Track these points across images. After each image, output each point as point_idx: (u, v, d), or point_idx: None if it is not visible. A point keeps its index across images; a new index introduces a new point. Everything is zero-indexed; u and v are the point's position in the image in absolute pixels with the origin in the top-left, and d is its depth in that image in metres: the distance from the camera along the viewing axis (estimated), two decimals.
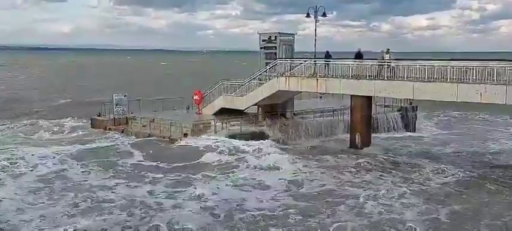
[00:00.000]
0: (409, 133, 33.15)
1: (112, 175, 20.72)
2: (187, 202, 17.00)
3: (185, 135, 25.66)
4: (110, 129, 29.49)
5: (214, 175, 20.77)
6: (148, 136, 27.27)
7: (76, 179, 19.93)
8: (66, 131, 31.00)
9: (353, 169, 21.76)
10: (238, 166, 22.12)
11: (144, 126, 28.81)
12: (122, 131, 28.75)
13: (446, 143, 29.85)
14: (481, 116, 41.35)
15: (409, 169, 22.22)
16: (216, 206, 16.62)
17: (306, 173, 21.04)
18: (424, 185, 19.64)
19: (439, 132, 34.64)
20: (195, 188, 18.44)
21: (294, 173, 20.91)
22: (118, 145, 25.71)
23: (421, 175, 21.18)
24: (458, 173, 21.38)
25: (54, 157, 22.68)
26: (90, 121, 31.68)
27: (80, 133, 30.19)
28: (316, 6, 30.45)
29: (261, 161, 22.53)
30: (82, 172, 21.03)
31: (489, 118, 40.75)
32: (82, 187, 18.79)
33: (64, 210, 16.25)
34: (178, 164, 22.21)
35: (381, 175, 21.04)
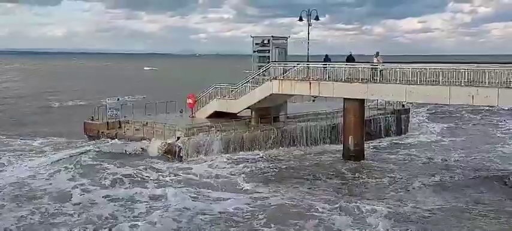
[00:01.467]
0: (404, 137, 33.30)
1: None
2: None
3: (178, 139, 25.58)
4: (102, 133, 29.32)
5: None
6: (141, 140, 27.18)
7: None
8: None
9: None
10: None
11: (137, 130, 28.69)
12: (115, 136, 28.61)
13: (447, 151, 29.28)
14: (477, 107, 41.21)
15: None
16: None
17: None
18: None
19: (435, 134, 34.69)
20: None
21: None
22: None
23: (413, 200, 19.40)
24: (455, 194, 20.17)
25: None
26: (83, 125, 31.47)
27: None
28: (308, 10, 30.62)
29: None
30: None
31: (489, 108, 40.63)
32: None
33: None
34: None
35: None
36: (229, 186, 20.94)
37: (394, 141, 32.00)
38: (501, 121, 39.90)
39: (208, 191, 19.97)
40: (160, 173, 22.49)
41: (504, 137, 33.34)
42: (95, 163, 23.79)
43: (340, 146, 27.23)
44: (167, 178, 21.84)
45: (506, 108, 37.50)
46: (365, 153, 26.59)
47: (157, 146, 25.93)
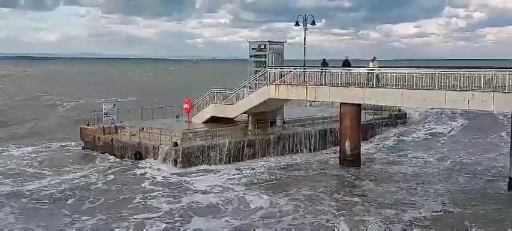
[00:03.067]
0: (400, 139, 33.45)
1: None
2: None
3: (175, 144, 25.53)
4: (98, 138, 29.23)
5: None
6: (138, 145, 27.09)
7: None
8: None
9: None
10: None
11: (133, 135, 28.61)
12: (111, 141, 28.54)
13: (446, 151, 29.16)
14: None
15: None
16: None
17: None
18: None
19: (431, 136, 34.86)
20: None
21: None
22: None
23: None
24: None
25: None
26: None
27: None
28: (305, 15, 30.77)
29: None
30: None
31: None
32: None
33: None
34: None
35: None
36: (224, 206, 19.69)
37: (390, 143, 32.13)
38: None
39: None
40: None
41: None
42: None
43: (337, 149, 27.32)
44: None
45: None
46: (362, 157, 26.61)
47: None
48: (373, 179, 23.53)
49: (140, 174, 24.26)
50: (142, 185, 22.52)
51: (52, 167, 25.57)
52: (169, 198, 20.49)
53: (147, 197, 20.68)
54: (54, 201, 20.15)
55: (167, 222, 17.82)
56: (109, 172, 24.69)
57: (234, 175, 24.01)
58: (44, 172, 24.94)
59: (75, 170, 25.24)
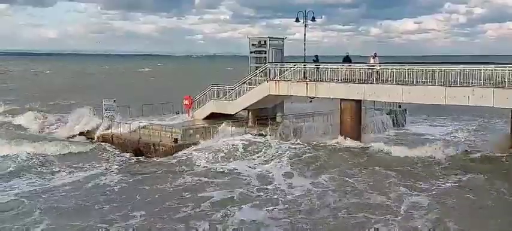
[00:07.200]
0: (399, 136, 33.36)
1: None
2: None
3: (175, 141, 25.55)
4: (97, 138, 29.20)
5: None
6: (138, 142, 27.08)
7: None
8: None
9: None
10: None
11: (133, 131, 28.60)
12: (111, 137, 28.53)
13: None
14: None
15: None
16: None
17: None
18: None
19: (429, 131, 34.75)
20: None
21: None
22: None
23: None
24: None
25: None
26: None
27: None
28: (305, 11, 30.75)
29: None
30: None
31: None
32: None
33: None
34: None
35: None
36: None
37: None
38: None
39: None
40: None
41: None
42: None
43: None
44: None
45: None
46: None
47: None
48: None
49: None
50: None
51: None
52: None
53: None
54: None
55: None
56: None
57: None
58: None
59: None
